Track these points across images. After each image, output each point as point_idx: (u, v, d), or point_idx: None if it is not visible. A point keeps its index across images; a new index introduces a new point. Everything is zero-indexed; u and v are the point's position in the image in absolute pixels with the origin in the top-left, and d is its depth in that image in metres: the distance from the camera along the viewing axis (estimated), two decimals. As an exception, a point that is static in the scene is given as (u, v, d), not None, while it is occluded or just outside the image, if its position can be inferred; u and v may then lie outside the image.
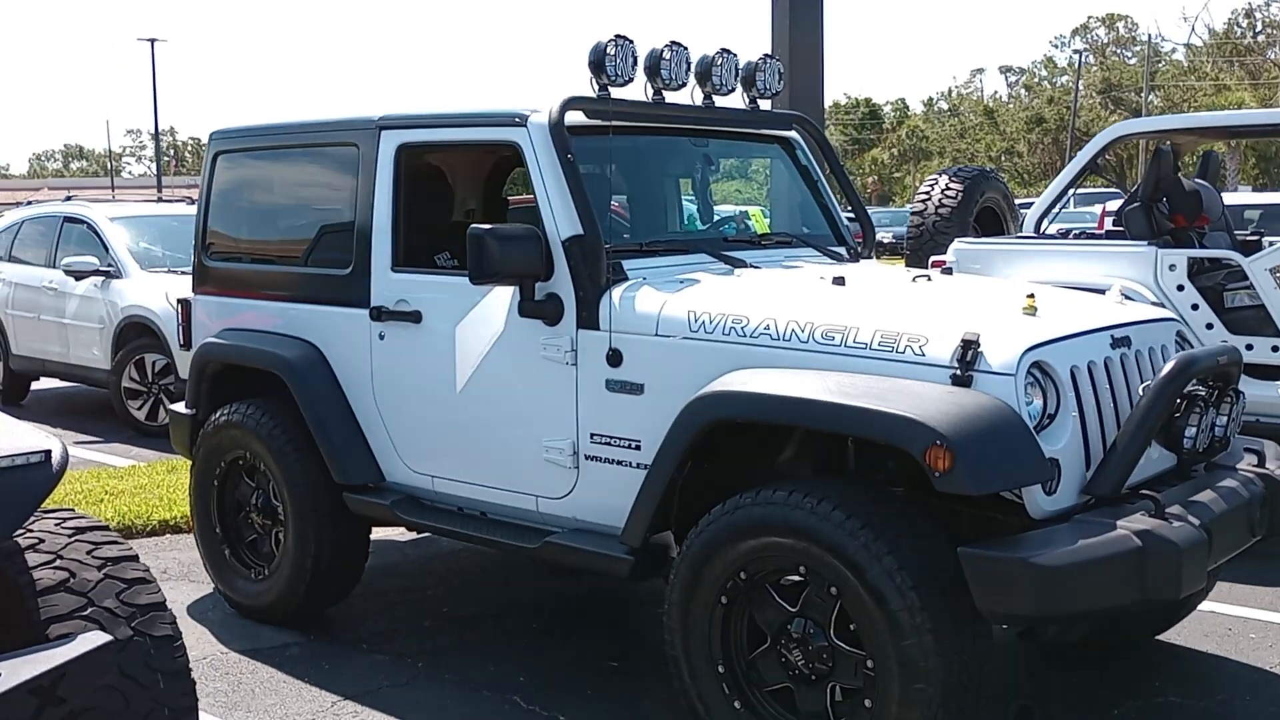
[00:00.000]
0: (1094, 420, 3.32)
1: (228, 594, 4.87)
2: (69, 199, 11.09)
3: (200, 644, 4.55)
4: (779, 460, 3.66)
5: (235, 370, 4.89)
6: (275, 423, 4.60)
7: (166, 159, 66.41)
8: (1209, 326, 5.96)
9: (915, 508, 3.28)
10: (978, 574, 2.92)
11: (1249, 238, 6.98)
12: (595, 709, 3.94)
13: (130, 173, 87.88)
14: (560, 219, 3.83)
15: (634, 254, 3.95)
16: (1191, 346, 3.88)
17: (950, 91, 69.82)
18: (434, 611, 4.91)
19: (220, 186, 5.12)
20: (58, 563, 2.71)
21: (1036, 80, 63.64)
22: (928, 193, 7.82)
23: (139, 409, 8.75)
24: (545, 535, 3.92)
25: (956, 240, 6.95)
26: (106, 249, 9.25)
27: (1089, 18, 61.04)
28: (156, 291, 8.60)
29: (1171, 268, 6.06)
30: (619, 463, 3.74)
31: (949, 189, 7.71)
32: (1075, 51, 58.05)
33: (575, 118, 4.01)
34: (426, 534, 5.15)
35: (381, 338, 4.37)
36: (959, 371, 3.13)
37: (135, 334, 8.77)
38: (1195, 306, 6.00)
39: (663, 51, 4.12)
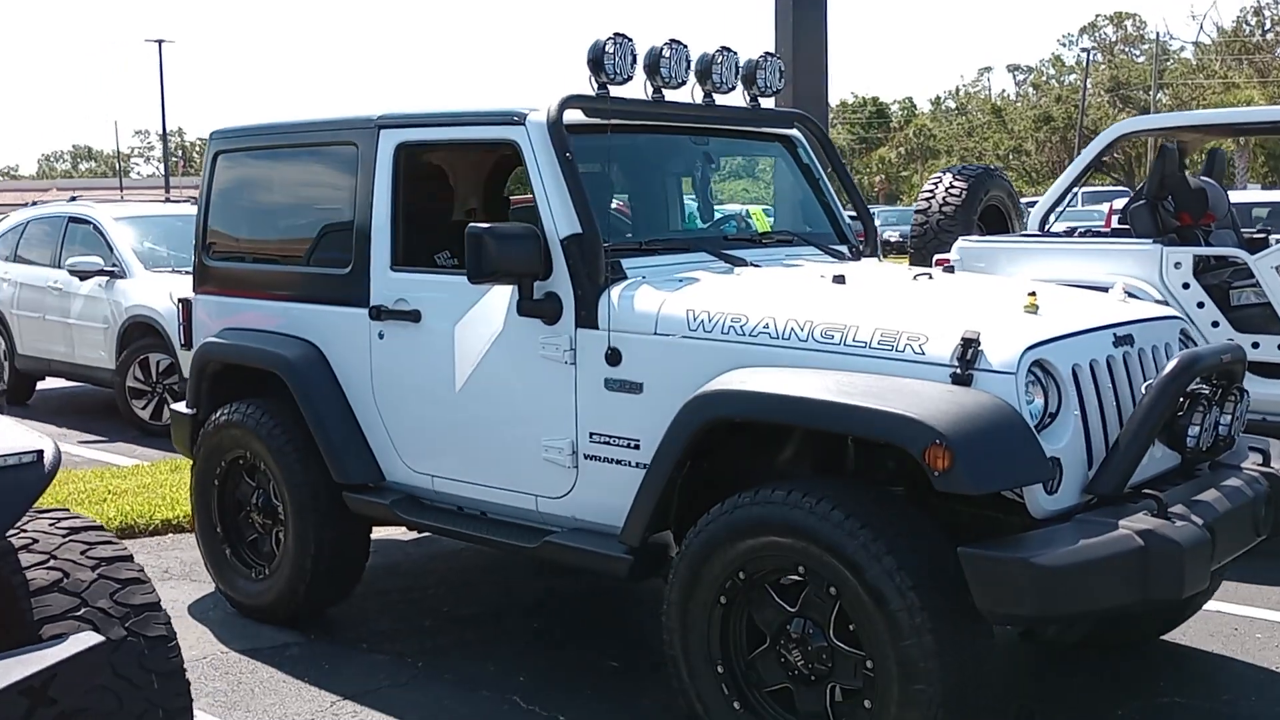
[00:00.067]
0: (1096, 419, 3.30)
1: (228, 593, 4.86)
2: (73, 199, 11.11)
3: (200, 643, 4.55)
4: (779, 460, 3.64)
5: (236, 370, 4.89)
6: (275, 422, 4.59)
7: (174, 159, 66.58)
8: (1214, 324, 5.92)
9: (915, 507, 3.26)
10: (977, 574, 2.90)
11: (1256, 235, 6.93)
12: (595, 709, 3.92)
13: (139, 173, 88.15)
14: (559, 218, 3.81)
15: (633, 253, 3.93)
16: (1195, 345, 3.85)
17: (958, 90, 69.66)
18: (434, 611, 4.90)
19: (220, 186, 5.11)
20: (51, 563, 2.71)
21: (1044, 79, 63.44)
22: (932, 191, 7.79)
23: (143, 408, 8.76)
24: (544, 535, 3.91)
25: (960, 238, 6.92)
26: (111, 249, 9.26)
27: (1097, 16, 60.98)
28: (160, 291, 8.60)
29: (1177, 266, 6.03)
30: (618, 462, 3.72)
31: (953, 187, 7.68)
32: (1083, 50, 57.82)
33: (574, 116, 3.99)
34: (427, 533, 5.14)
35: (381, 337, 4.36)
36: (959, 370, 3.11)
37: (139, 334, 8.78)
38: (1201, 304, 5.97)
39: (662, 49, 4.10)
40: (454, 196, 5.23)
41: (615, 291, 3.73)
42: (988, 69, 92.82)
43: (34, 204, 11.86)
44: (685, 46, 4.17)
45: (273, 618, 4.69)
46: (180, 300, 5.37)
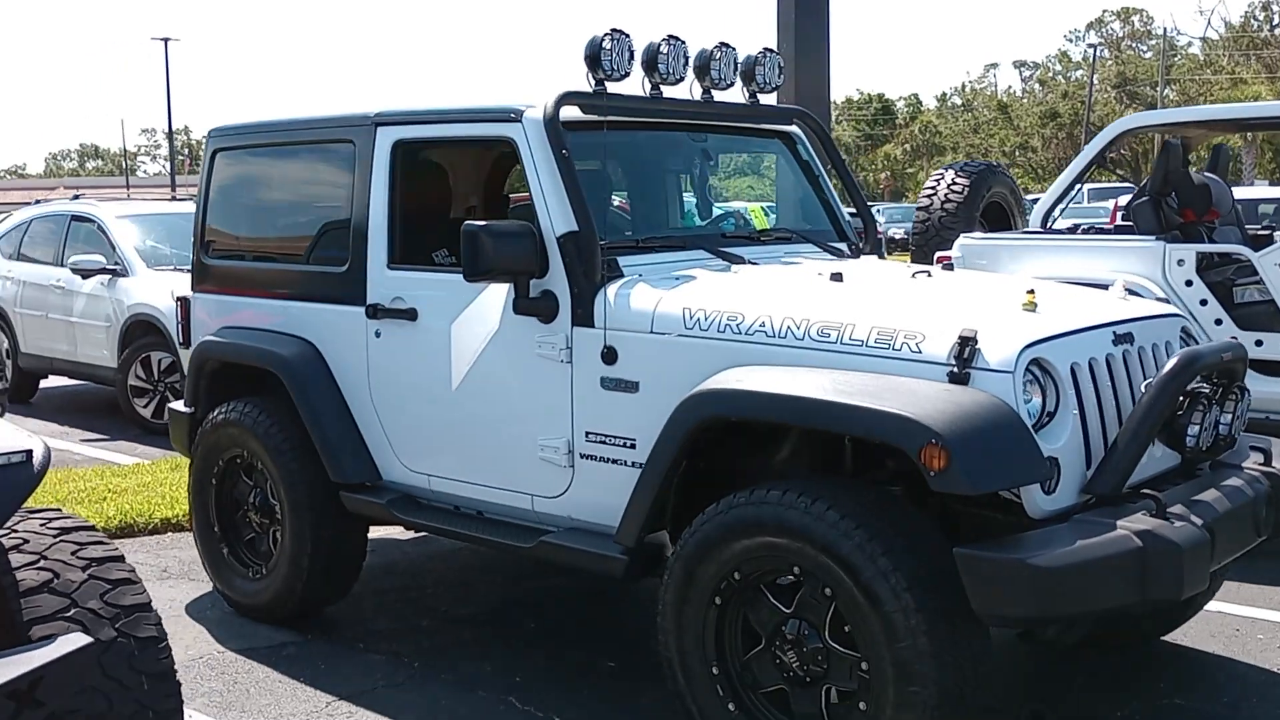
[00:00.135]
0: (1095, 418, 3.27)
1: (226, 592, 4.85)
2: (76, 198, 11.12)
3: (197, 643, 4.54)
4: (776, 459, 3.61)
5: (233, 368, 4.87)
6: (272, 421, 4.58)
7: (181, 158, 66.64)
8: (1218, 322, 5.89)
9: (912, 507, 3.24)
10: (974, 575, 2.87)
11: (1260, 232, 6.89)
12: (592, 710, 3.90)
13: (145, 172, 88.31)
14: (555, 215, 3.79)
15: (630, 250, 3.91)
16: (1197, 342, 3.81)
17: (964, 86, 69.47)
18: (432, 610, 4.88)
19: (218, 184, 5.10)
20: (41, 563, 2.69)
21: (1051, 75, 63.24)
22: (934, 188, 7.74)
23: (145, 406, 8.76)
24: (540, 534, 3.89)
25: (962, 235, 6.89)
26: (113, 247, 9.26)
27: (1104, 11, 60.64)
28: (162, 290, 8.60)
29: (1180, 263, 5.99)
30: (614, 461, 3.70)
31: (955, 184, 7.64)
32: (1090, 46, 57.68)
33: (571, 113, 3.96)
34: (425, 533, 5.12)
35: (378, 335, 4.34)
36: (956, 369, 3.08)
37: (141, 332, 8.78)
38: (1204, 302, 5.93)
39: (660, 45, 4.07)
40: (453, 194, 5.21)
41: (611, 290, 3.71)
42: (994, 65, 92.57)
43: (37, 202, 11.87)
44: (683, 42, 4.15)
45: (270, 617, 4.68)
46: (179, 298, 5.36)
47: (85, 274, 9.16)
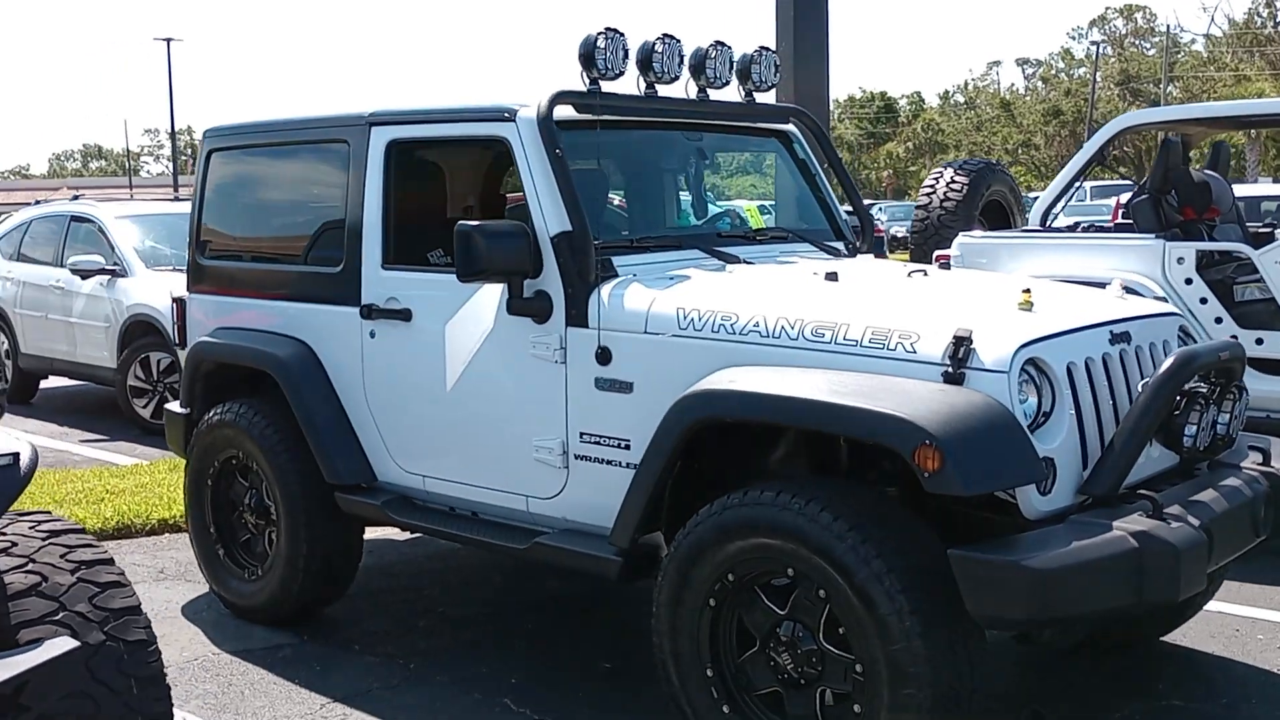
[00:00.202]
0: (1091, 418, 3.25)
1: (222, 594, 4.84)
2: (76, 198, 11.11)
3: (192, 644, 4.53)
4: (772, 460, 3.60)
5: (229, 369, 4.86)
6: (267, 422, 4.56)
7: (184, 158, 66.66)
8: (1218, 320, 5.86)
9: (907, 509, 3.22)
10: (968, 577, 2.85)
11: (1261, 230, 6.86)
12: (587, 711, 3.89)
13: (149, 172, 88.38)
14: (549, 215, 3.77)
15: (625, 250, 3.89)
16: (1195, 342, 3.79)
17: (966, 84, 69.33)
18: (429, 611, 4.87)
19: (214, 184, 5.08)
20: (30, 566, 2.67)
21: (1054, 72, 63.13)
22: (933, 186, 7.72)
23: (144, 407, 8.76)
24: (535, 536, 3.87)
25: (961, 234, 6.86)
26: (112, 248, 9.26)
27: (1107, 9, 60.47)
28: (161, 290, 8.59)
29: (1179, 261, 5.96)
30: (609, 462, 3.68)
31: (954, 182, 7.61)
32: (1093, 43, 57.55)
33: (566, 113, 3.94)
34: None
35: (372, 336, 4.33)
36: (951, 369, 3.06)
37: (140, 332, 8.78)
38: (1204, 300, 5.90)
39: (655, 44, 4.06)
40: (449, 194, 5.19)
41: (606, 290, 3.69)
42: (996, 63, 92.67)
43: (37, 203, 11.87)
44: (678, 41, 4.13)
45: (266, 618, 4.67)
46: (174, 299, 5.35)
47: (84, 274, 9.15)
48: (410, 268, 4.29)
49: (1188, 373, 3.25)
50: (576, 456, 3.76)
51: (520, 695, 4.00)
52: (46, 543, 2.76)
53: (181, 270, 8.62)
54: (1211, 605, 4.40)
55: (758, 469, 3.57)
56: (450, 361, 4.06)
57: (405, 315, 4.20)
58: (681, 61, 4.14)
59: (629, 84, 4.08)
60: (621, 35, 3.98)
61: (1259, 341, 5.75)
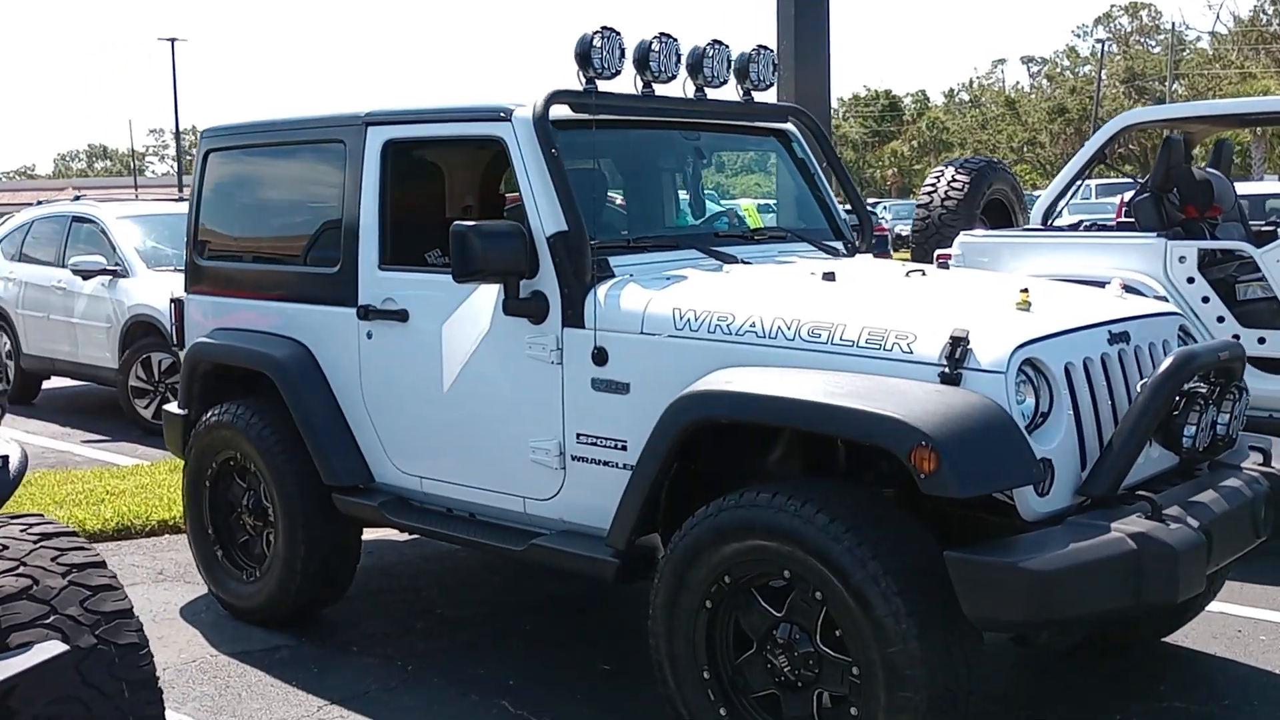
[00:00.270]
0: (1090, 419, 3.23)
1: (220, 595, 4.83)
2: (77, 199, 11.11)
3: (190, 646, 4.52)
4: (769, 461, 3.58)
5: (226, 370, 4.85)
6: (265, 423, 4.55)
7: (189, 158, 66.75)
8: (1220, 320, 5.83)
9: (903, 510, 3.20)
10: (964, 579, 2.83)
11: (1264, 228, 6.82)
12: (585, 713, 3.87)
13: (154, 172, 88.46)
14: (545, 215, 3.76)
15: (621, 250, 3.87)
16: (1196, 341, 3.76)
17: (971, 82, 69.12)
18: (427, 613, 4.85)
19: (211, 185, 5.07)
20: (21, 570, 2.66)
21: (1059, 70, 62.94)
22: (934, 185, 7.69)
23: (146, 407, 8.75)
24: (531, 537, 3.86)
25: (962, 233, 6.83)
26: (114, 248, 9.26)
27: (1112, 6, 60.30)
28: (162, 290, 8.57)
29: (1181, 260, 5.93)
30: (605, 463, 3.67)
31: (955, 181, 7.58)
32: (1098, 41, 57.41)
33: (562, 112, 3.93)
34: (420, 534, 5.10)
35: (369, 337, 4.31)
36: (947, 369, 3.04)
37: (142, 333, 8.78)
38: (1206, 299, 5.87)
39: (651, 43, 4.04)
40: (448, 194, 5.17)
41: (602, 290, 3.68)
42: (1001, 61, 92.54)
43: (39, 203, 11.88)
44: (675, 40, 4.11)
45: (264, 620, 4.66)
46: (172, 300, 5.34)
47: (86, 275, 9.15)
48: (407, 268, 4.28)
49: (1187, 372, 3.23)
50: (573, 458, 3.74)
51: (518, 697, 3.98)
52: (38, 546, 2.74)
53: (182, 270, 8.68)
54: (1214, 606, 4.38)
55: (755, 470, 3.55)
56: (447, 362, 4.05)
57: (402, 316, 4.19)
58: (679, 60, 4.12)
59: (626, 83, 4.07)
60: (618, 34, 3.96)
61: (1261, 340, 5.72)
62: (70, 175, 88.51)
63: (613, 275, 3.73)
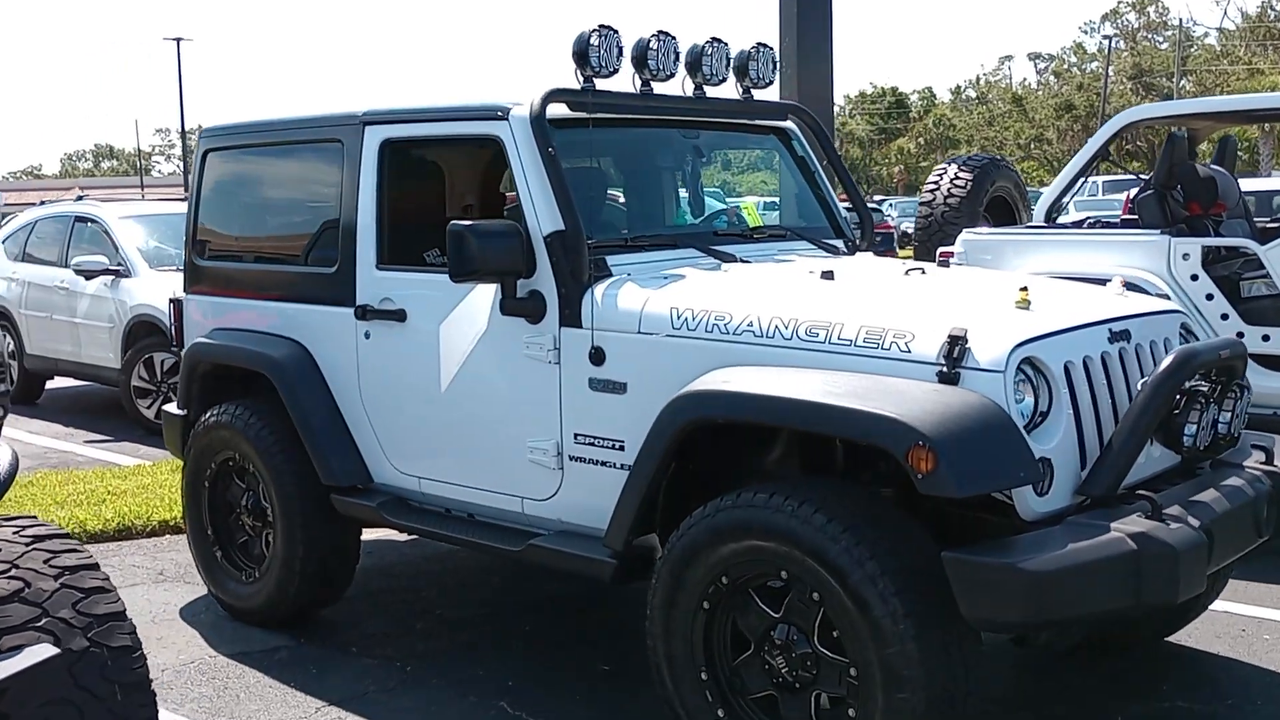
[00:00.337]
0: (1090, 418, 3.20)
1: (219, 596, 4.83)
2: (80, 199, 11.13)
3: (189, 647, 4.51)
4: (767, 461, 3.56)
5: (225, 370, 4.84)
6: (263, 423, 4.55)
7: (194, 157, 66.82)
8: (1224, 317, 5.79)
9: (901, 510, 3.17)
10: (962, 580, 2.81)
11: (1269, 225, 6.78)
12: (584, 713, 3.86)
13: (160, 171, 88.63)
14: (542, 214, 3.74)
15: (619, 249, 3.85)
16: (1198, 339, 3.74)
17: (978, 79, 68.98)
18: (426, 613, 4.84)
19: (210, 185, 5.07)
20: (13, 572, 2.65)
21: (1066, 67, 62.75)
22: (936, 182, 7.66)
23: (148, 407, 8.76)
24: (529, 538, 3.84)
25: (965, 231, 6.80)
26: (116, 248, 9.26)
27: (1119, 2, 60.06)
28: (164, 290, 8.55)
29: (1185, 257, 5.89)
30: (603, 463, 3.65)
31: (958, 178, 7.55)
32: (1105, 37, 57.24)
33: (560, 111, 3.91)
34: (420, 534, 5.08)
35: (367, 337, 4.30)
36: (946, 369, 3.02)
37: (144, 333, 8.78)
38: (1210, 297, 5.83)
39: (649, 41, 4.02)
40: (447, 194, 5.16)
41: (599, 289, 3.66)
42: (1008, 58, 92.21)
43: (43, 203, 11.89)
44: (674, 38, 4.09)
45: (263, 620, 4.65)
46: (171, 300, 5.33)
47: (88, 275, 9.15)
48: (405, 268, 4.27)
49: (1187, 371, 3.20)
50: (571, 458, 3.72)
51: (517, 697, 3.97)
52: (30, 548, 2.73)
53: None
54: (1217, 605, 4.35)
55: (752, 470, 3.53)
56: (445, 362, 4.04)
57: (400, 316, 4.17)
58: (677, 58, 4.10)
59: (624, 82, 4.05)
60: (615, 32, 3.94)
61: (1265, 338, 5.68)
62: (76, 175, 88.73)
63: (610, 274, 3.71)
